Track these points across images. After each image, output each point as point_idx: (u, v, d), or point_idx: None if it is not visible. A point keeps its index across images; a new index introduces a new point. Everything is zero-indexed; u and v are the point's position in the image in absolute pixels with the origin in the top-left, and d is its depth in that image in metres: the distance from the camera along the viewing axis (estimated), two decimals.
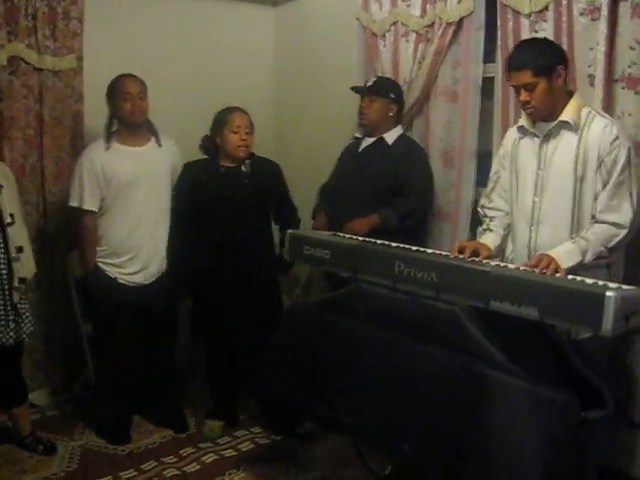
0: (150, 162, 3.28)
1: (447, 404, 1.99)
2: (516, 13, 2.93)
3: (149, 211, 3.27)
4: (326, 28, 4.13)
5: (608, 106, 2.62)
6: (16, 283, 2.90)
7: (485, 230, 2.67)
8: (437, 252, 2.40)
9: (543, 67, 2.33)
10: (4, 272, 2.87)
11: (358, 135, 3.44)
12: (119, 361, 3.31)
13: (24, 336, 3.00)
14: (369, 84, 3.32)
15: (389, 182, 3.22)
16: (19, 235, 2.93)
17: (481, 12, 3.17)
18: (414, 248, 2.40)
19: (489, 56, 3.20)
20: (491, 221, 2.67)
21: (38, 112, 3.52)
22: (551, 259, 2.16)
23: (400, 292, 2.23)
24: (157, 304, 3.30)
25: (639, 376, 2.58)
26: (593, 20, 2.67)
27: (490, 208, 2.70)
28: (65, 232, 3.61)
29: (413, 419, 2.07)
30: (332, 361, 2.37)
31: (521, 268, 2.18)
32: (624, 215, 2.31)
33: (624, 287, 1.90)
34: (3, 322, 2.88)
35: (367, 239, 2.58)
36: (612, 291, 1.77)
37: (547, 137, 2.45)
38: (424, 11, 3.36)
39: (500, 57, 3.03)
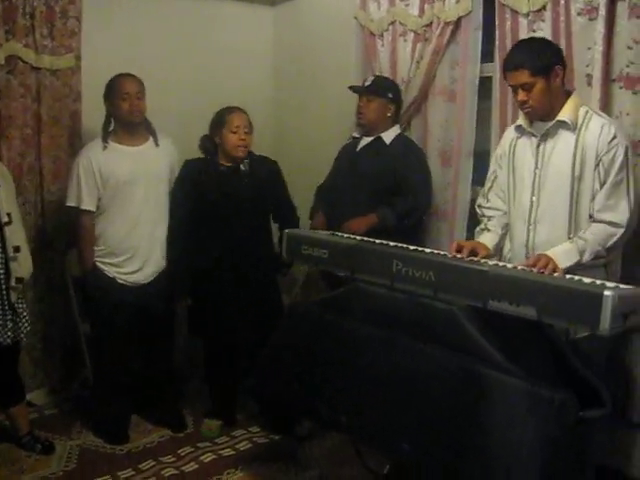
0: (148, 161, 3.28)
1: (445, 403, 1.99)
2: (514, 13, 2.94)
3: (147, 210, 3.27)
4: (324, 27, 4.13)
5: (606, 106, 2.63)
6: (13, 283, 2.90)
7: (483, 230, 2.67)
8: (435, 251, 2.40)
9: (540, 67, 2.33)
10: (1, 272, 2.87)
11: (356, 134, 3.44)
12: (117, 360, 3.31)
13: (22, 335, 3.00)
14: (367, 84, 3.32)
15: (387, 181, 3.23)
16: (16, 235, 2.93)
17: (479, 12, 3.18)
18: (412, 247, 2.40)
19: (487, 56, 3.21)
20: (489, 220, 2.67)
21: (36, 111, 3.51)
22: (549, 259, 2.17)
23: (398, 291, 2.23)
24: (155, 304, 3.29)
25: (637, 375, 2.59)
26: (591, 20, 2.67)
27: (488, 208, 2.70)
28: (63, 231, 3.61)
29: (412, 418, 2.07)
30: (331, 360, 2.37)
31: (519, 267, 2.18)
32: (621, 214, 2.32)
33: (622, 286, 1.90)
34: (1, 322, 2.88)
35: (365, 238, 2.58)
36: (610, 290, 1.77)
37: (545, 137, 2.45)
38: (422, 10, 3.36)
39: (498, 57, 3.03)
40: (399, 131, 3.35)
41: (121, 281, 3.28)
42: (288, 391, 2.52)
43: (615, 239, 2.32)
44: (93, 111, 3.44)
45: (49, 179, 3.60)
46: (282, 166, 3.44)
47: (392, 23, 3.52)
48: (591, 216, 2.37)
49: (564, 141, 2.40)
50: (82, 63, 3.61)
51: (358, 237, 2.62)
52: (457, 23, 3.23)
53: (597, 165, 2.33)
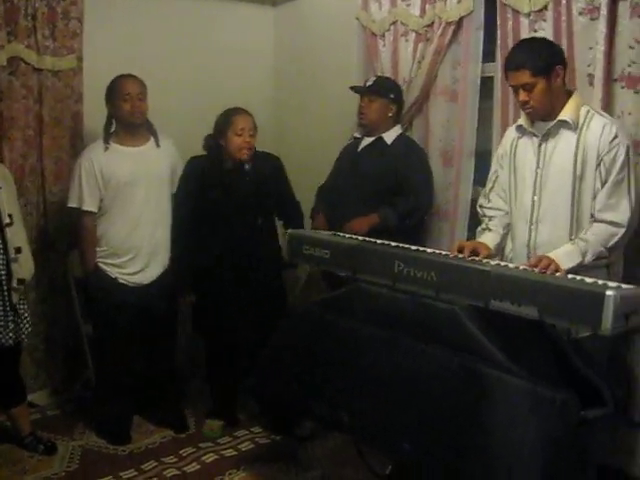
0: (149, 162, 3.28)
1: (447, 403, 2.00)
2: (516, 12, 2.93)
3: (148, 211, 3.27)
4: (326, 28, 4.13)
5: (608, 105, 2.62)
6: (15, 284, 2.90)
7: (484, 229, 2.67)
8: (437, 251, 2.41)
9: (542, 67, 2.33)
10: (3, 273, 2.87)
11: (357, 135, 3.44)
12: (119, 361, 3.31)
13: (23, 337, 3.00)
14: (369, 84, 3.32)
15: (388, 182, 3.23)
16: (18, 236, 2.93)
17: (480, 12, 3.17)
18: (414, 247, 2.40)
19: (488, 55, 3.20)
20: (490, 220, 2.67)
21: (38, 112, 3.52)
22: (551, 260, 2.17)
23: (400, 292, 2.23)
24: (157, 304, 3.30)
25: (639, 375, 2.58)
26: (592, 19, 2.67)
27: (489, 208, 2.70)
28: (65, 232, 3.61)
29: (413, 418, 2.07)
30: (332, 360, 2.38)
31: (521, 267, 2.18)
32: (622, 214, 2.32)
33: (624, 286, 1.90)
34: (2, 323, 2.89)
35: (367, 239, 2.58)
36: (612, 290, 1.77)
37: (546, 136, 2.45)
38: (423, 11, 3.36)
39: (500, 57, 3.03)
40: (400, 131, 3.35)
41: (123, 282, 3.28)
42: (288, 391, 2.53)
43: (616, 239, 2.32)
44: (95, 112, 3.45)
45: (51, 180, 3.60)
46: None
47: (393, 23, 3.52)
48: (592, 215, 2.37)
49: (565, 141, 2.40)
50: (84, 64, 3.61)
51: (360, 237, 2.63)
52: (458, 23, 3.22)
53: (598, 165, 2.33)
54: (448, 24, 3.24)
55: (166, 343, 3.47)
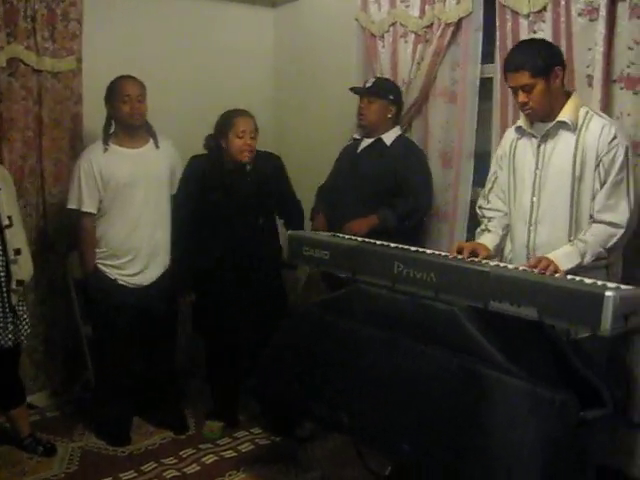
0: (148, 164, 3.28)
1: (446, 404, 2.00)
2: (515, 14, 2.94)
3: (148, 212, 3.27)
4: (325, 29, 4.13)
5: (607, 106, 2.63)
6: (14, 285, 2.90)
7: (483, 231, 2.67)
8: (436, 252, 2.41)
9: (541, 68, 2.33)
10: (2, 274, 2.87)
11: (356, 136, 3.44)
12: (119, 362, 3.31)
13: (22, 338, 3.00)
14: (368, 85, 3.32)
15: (388, 183, 3.23)
16: (17, 237, 2.93)
17: (479, 13, 3.18)
18: (413, 249, 2.40)
19: (488, 57, 3.21)
20: (489, 222, 2.67)
21: (37, 114, 3.52)
22: (550, 261, 2.17)
23: (399, 292, 2.23)
24: (157, 305, 3.30)
25: (638, 376, 2.59)
26: (591, 20, 2.67)
27: (488, 209, 2.70)
28: (65, 233, 3.61)
29: (413, 419, 2.08)
30: (332, 361, 2.38)
31: (520, 268, 2.18)
32: (621, 215, 2.32)
33: (623, 287, 1.91)
34: (1, 324, 2.88)
35: (366, 240, 2.58)
36: (611, 291, 1.77)
37: (545, 137, 2.45)
38: (423, 12, 3.36)
39: (499, 58, 3.03)
40: (400, 132, 3.36)
41: (123, 283, 3.28)
42: (290, 391, 2.53)
43: (615, 239, 2.32)
44: (94, 113, 3.45)
45: (50, 181, 3.60)
46: None
47: (393, 24, 3.52)
48: (591, 216, 2.37)
49: (564, 142, 2.40)
50: (83, 65, 3.61)
51: (359, 238, 2.63)
52: (458, 24, 3.23)
53: (597, 165, 2.33)
54: (447, 25, 3.24)
55: (166, 344, 3.47)
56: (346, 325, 2.36)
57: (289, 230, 3.31)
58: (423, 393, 2.06)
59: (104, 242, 3.28)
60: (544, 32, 2.82)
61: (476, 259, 2.36)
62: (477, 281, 2.04)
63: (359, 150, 3.38)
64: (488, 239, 2.60)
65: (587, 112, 2.39)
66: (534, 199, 2.48)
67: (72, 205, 3.26)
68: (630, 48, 2.56)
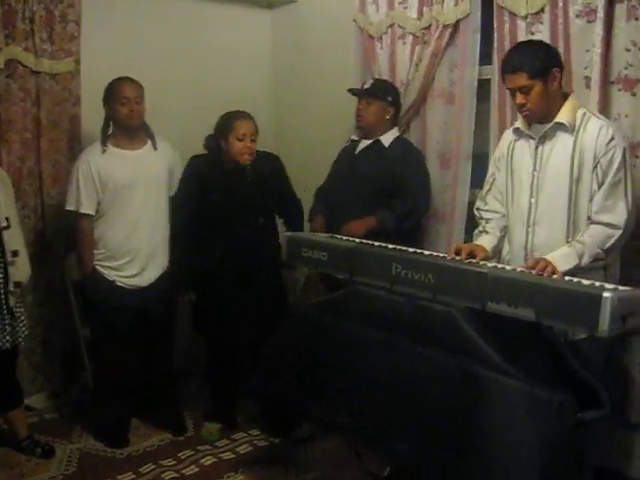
0: (147, 165, 3.28)
1: (445, 405, 2.00)
2: (512, 15, 2.95)
3: (146, 214, 3.27)
4: (323, 30, 4.13)
5: (604, 108, 2.63)
6: (12, 287, 2.90)
7: (481, 232, 2.68)
8: (434, 254, 2.41)
9: (538, 70, 2.34)
10: (0, 276, 2.87)
11: (355, 137, 3.44)
12: (117, 364, 3.30)
13: (20, 340, 3.00)
14: (366, 86, 3.32)
15: (386, 184, 3.23)
16: (15, 239, 2.93)
17: (477, 14, 3.18)
18: (411, 250, 2.40)
19: (485, 58, 3.21)
20: (487, 223, 2.68)
21: (35, 115, 3.51)
22: (548, 262, 2.18)
23: (397, 294, 2.23)
24: (155, 307, 3.29)
25: (636, 377, 2.59)
26: (589, 22, 2.68)
27: (486, 210, 2.70)
28: (63, 235, 3.60)
29: (411, 420, 2.08)
30: (330, 362, 2.38)
31: (518, 270, 2.18)
32: (618, 216, 2.32)
33: (621, 288, 1.91)
34: None
35: (364, 241, 2.58)
36: (609, 292, 1.78)
37: (543, 139, 2.46)
38: (421, 13, 3.37)
39: (497, 59, 3.03)
40: (398, 134, 3.36)
41: (121, 284, 3.28)
42: (288, 392, 2.53)
43: (613, 241, 2.32)
44: (92, 115, 3.44)
45: (48, 183, 3.60)
46: None
47: (391, 26, 3.53)
48: (589, 218, 2.38)
49: (562, 143, 2.40)
50: (81, 67, 3.61)
51: (357, 240, 2.63)
52: (456, 26, 3.23)
53: (595, 167, 2.34)
54: (445, 27, 3.25)
55: (164, 346, 3.46)
56: (344, 326, 2.36)
57: (289, 229, 3.33)
58: (421, 394, 2.06)
59: (102, 243, 3.27)
60: (542, 34, 2.82)
61: (474, 260, 2.36)
62: (475, 282, 2.05)
63: (357, 151, 3.38)
64: (486, 240, 2.60)
65: (585, 113, 2.40)
66: (532, 200, 2.49)
67: (70, 207, 3.25)
68: (627, 50, 2.57)
